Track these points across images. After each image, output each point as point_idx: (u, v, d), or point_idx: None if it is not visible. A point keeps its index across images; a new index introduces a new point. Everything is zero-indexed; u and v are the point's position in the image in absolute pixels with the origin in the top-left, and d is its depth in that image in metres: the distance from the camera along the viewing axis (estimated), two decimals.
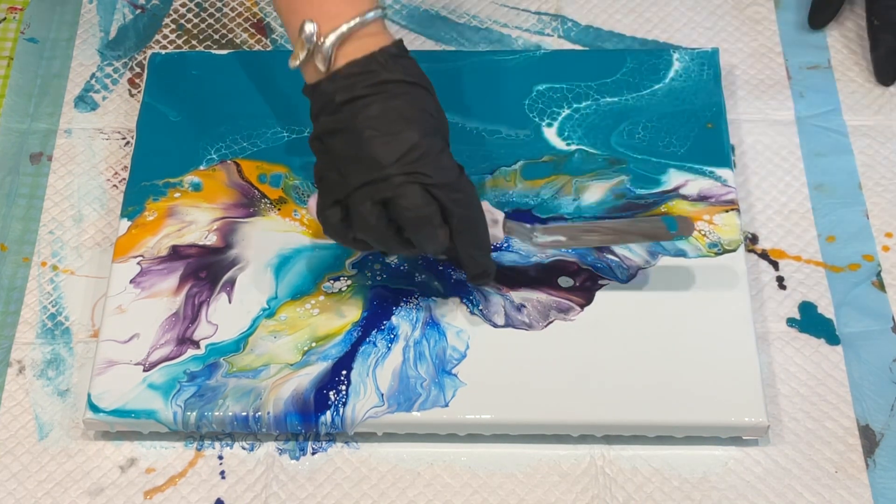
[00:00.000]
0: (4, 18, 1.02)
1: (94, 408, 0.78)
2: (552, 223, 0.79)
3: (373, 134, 0.72)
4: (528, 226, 0.79)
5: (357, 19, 0.74)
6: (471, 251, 0.75)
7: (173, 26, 1.00)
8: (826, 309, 0.84)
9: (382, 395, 0.78)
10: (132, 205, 0.87)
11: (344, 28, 0.73)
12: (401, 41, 0.75)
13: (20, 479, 0.78)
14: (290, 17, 0.76)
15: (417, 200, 0.72)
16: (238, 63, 0.95)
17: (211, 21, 1.01)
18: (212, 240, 0.85)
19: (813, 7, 0.98)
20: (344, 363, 0.80)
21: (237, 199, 0.88)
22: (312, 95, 0.75)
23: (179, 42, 0.99)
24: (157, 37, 1.00)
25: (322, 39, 0.73)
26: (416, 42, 0.99)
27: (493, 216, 0.77)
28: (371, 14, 0.74)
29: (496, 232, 0.77)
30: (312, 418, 0.78)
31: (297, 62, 0.75)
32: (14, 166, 0.92)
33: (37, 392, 0.82)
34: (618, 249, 0.84)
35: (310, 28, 0.74)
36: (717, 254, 0.84)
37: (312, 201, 0.76)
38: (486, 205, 0.77)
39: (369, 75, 0.73)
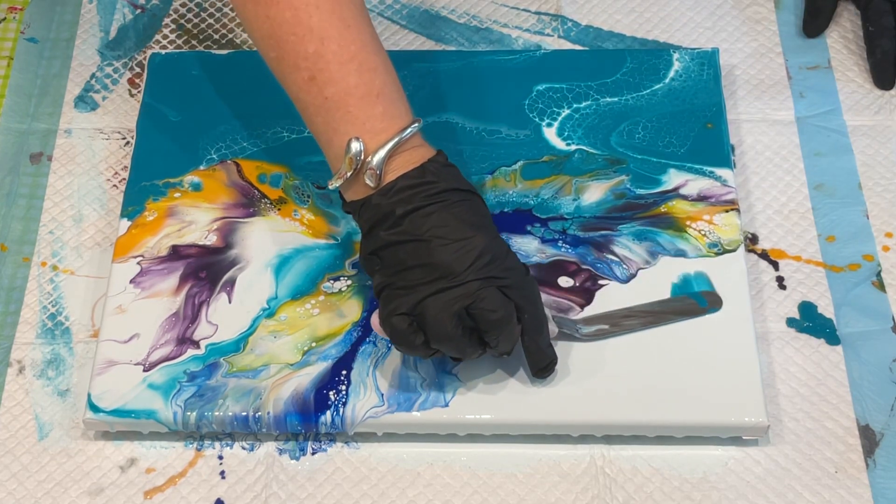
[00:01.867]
0: (4, 18, 1.02)
1: (94, 408, 0.78)
2: (592, 314, 0.81)
3: (442, 242, 0.72)
4: (572, 320, 0.80)
5: (400, 134, 0.74)
6: (540, 344, 0.76)
7: (173, 26, 1.00)
8: (826, 309, 0.84)
9: (382, 395, 0.78)
10: (132, 205, 0.87)
11: (391, 143, 0.74)
12: (443, 151, 0.77)
13: (20, 479, 0.78)
14: (332, 136, 0.76)
15: (498, 302, 0.73)
16: (238, 63, 0.95)
17: (211, 21, 1.01)
18: (212, 240, 0.85)
19: (805, 17, 0.98)
20: (344, 363, 0.80)
21: (237, 199, 0.88)
22: (361, 211, 0.75)
23: (179, 42, 0.99)
24: (157, 37, 1.00)
25: (370, 157, 0.74)
26: (416, 42, 0.99)
27: (546, 314, 0.78)
28: (411, 128, 0.75)
29: (552, 327, 0.78)
30: (312, 418, 0.78)
31: (342, 181, 0.75)
32: (14, 166, 0.92)
33: (37, 392, 0.82)
34: (618, 249, 0.84)
35: (357, 146, 0.74)
36: (717, 254, 0.84)
37: (375, 317, 0.75)
38: None
39: (426, 186, 0.74)
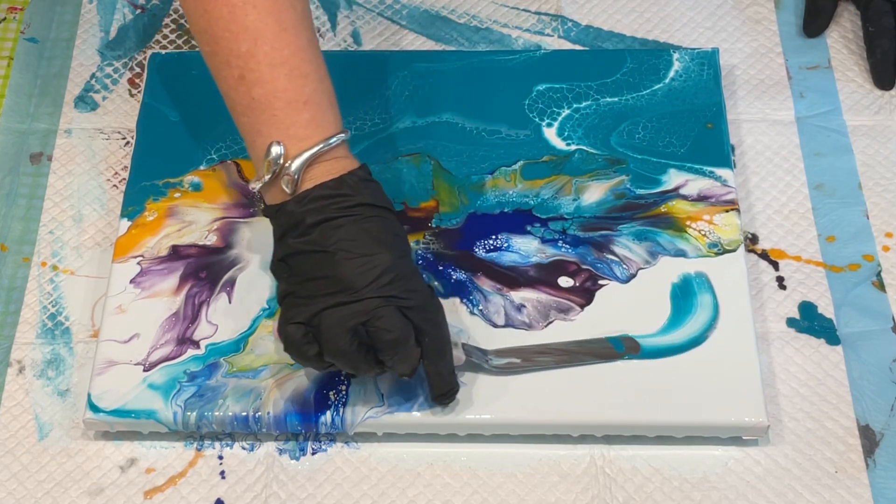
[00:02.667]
0: (4, 18, 1.02)
1: (94, 408, 0.78)
2: (506, 347, 0.79)
3: (347, 256, 0.72)
4: (483, 350, 0.78)
5: (323, 143, 0.74)
6: (440, 370, 0.75)
7: (173, 26, 1.00)
8: (826, 309, 0.84)
9: (382, 395, 0.78)
10: (132, 205, 0.87)
11: (312, 151, 0.73)
12: (366, 165, 0.75)
13: (20, 479, 0.78)
14: (255, 137, 0.75)
15: (395, 323, 0.71)
16: None
17: None
18: (212, 240, 0.85)
19: (806, 17, 0.98)
20: None
21: (237, 199, 0.88)
22: (276, 216, 0.74)
23: (179, 42, 0.99)
24: (157, 37, 1.00)
25: (289, 162, 0.73)
26: (416, 42, 0.99)
27: (454, 339, 0.76)
28: (336, 138, 0.74)
29: (458, 353, 0.76)
30: (312, 418, 0.78)
31: (260, 184, 0.74)
32: (14, 166, 0.92)
33: (37, 392, 0.82)
34: (618, 249, 0.84)
35: (277, 150, 0.73)
36: (717, 254, 0.84)
37: (276, 324, 0.75)
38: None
39: (341, 198, 0.73)
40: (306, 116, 0.74)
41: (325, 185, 0.73)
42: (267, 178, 0.74)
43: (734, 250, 0.84)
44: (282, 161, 0.73)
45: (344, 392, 0.78)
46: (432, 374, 0.75)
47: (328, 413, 0.78)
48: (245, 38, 0.74)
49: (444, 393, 0.76)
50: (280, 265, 0.74)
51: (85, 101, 0.96)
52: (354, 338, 0.72)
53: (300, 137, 0.74)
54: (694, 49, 0.94)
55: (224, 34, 0.75)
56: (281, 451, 0.79)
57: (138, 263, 0.84)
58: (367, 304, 0.71)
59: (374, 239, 0.73)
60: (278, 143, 0.74)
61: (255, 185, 0.75)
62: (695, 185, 0.87)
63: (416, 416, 0.78)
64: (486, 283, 0.83)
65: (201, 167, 0.89)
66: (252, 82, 0.74)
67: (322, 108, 0.75)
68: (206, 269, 0.84)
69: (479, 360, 0.78)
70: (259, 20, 0.74)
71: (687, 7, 1.00)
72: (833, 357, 0.82)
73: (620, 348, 0.78)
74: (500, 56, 0.95)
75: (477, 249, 0.85)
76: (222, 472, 0.78)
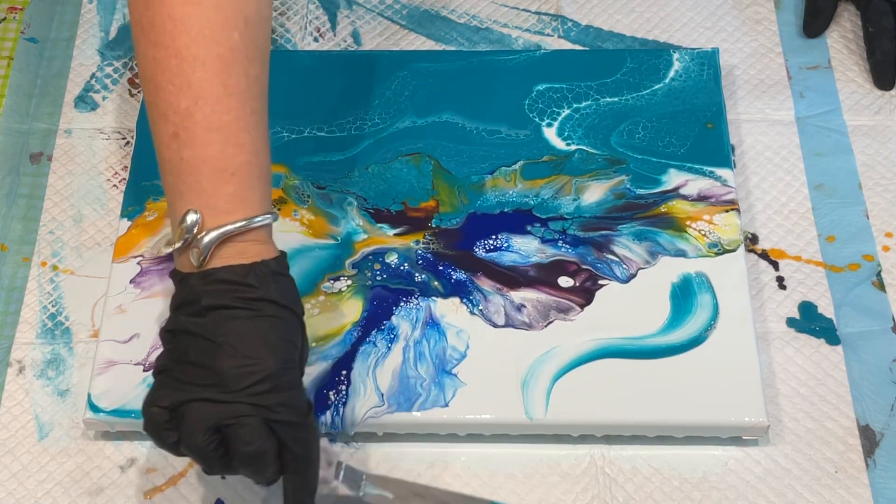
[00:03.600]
0: (4, 18, 1.02)
1: (94, 408, 0.78)
2: (388, 476, 0.76)
3: (230, 352, 0.67)
4: (360, 473, 0.75)
5: (243, 222, 0.69)
6: (298, 491, 0.70)
7: None
8: (826, 309, 0.84)
9: (382, 395, 0.78)
10: (132, 205, 0.87)
11: (227, 228, 0.68)
12: (284, 255, 0.71)
13: (20, 479, 0.78)
14: (176, 199, 0.70)
15: (257, 435, 0.67)
16: None
17: None
18: None
19: (806, 17, 0.98)
20: (344, 363, 0.80)
21: None
22: (179, 285, 0.70)
23: None
24: None
25: (202, 234, 0.68)
26: (416, 42, 0.99)
27: (329, 458, 0.74)
28: (260, 219, 0.70)
29: (327, 474, 0.73)
30: None
31: (171, 249, 0.70)
32: (14, 166, 0.92)
33: (37, 392, 0.82)
34: (618, 249, 0.84)
35: (192, 218, 0.68)
36: (717, 254, 0.84)
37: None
38: (324, 444, 0.73)
39: (244, 288, 0.68)
40: (230, 189, 0.69)
41: (232, 270, 0.68)
42: (178, 245, 0.69)
43: (734, 250, 0.84)
44: (195, 231, 0.69)
45: (344, 392, 0.78)
46: (288, 491, 0.70)
47: (328, 413, 0.78)
48: (187, 94, 0.69)
49: None
50: (167, 335, 0.70)
51: (85, 101, 0.96)
52: (214, 437, 0.67)
53: (220, 211, 0.69)
54: (694, 49, 0.94)
55: (168, 86, 0.70)
56: None
57: (138, 263, 0.84)
58: (235, 408, 0.66)
59: (264, 341, 0.67)
60: (195, 211, 0.69)
61: (167, 250, 0.70)
62: (695, 185, 0.87)
63: (416, 416, 0.78)
64: (486, 283, 0.83)
65: None
66: (184, 142, 0.69)
67: (251, 184, 0.70)
68: None
69: (352, 486, 0.74)
70: (205, 79, 0.69)
71: (687, 7, 1.01)
72: (833, 357, 0.82)
73: None
74: (500, 56, 0.95)
75: (477, 249, 0.85)
76: None
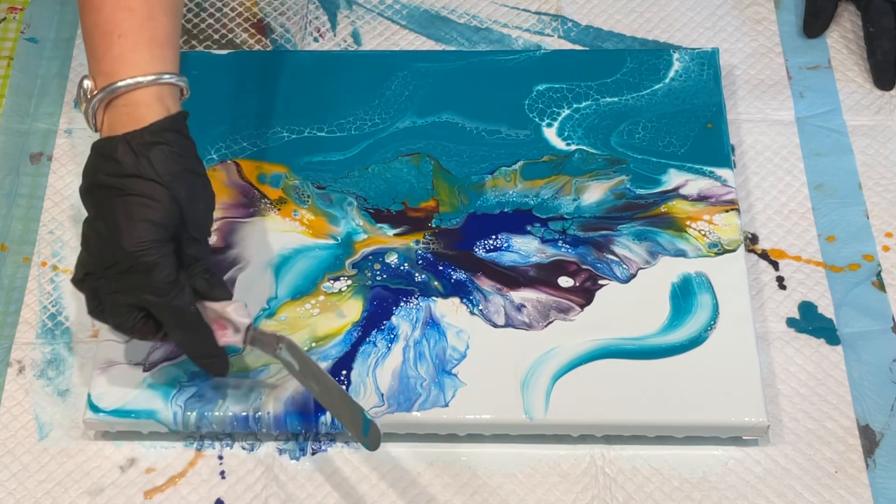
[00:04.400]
0: (4, 18, 1.02)
1: (94, 408, 0.78)
2: (298, 348, 0.74)
3: (94, 234, 0.70)
4: (277, 336, 0.74)
5: (123, 83, 0.69)
6: (192, 355, 0.74)
7: None
8: (826, 309, 0.84)
9: (382, 395, 0.78)
10: None
11: (108, 89, 0.69)
12: (175, 116, 0.71)
13: (20, 479, 0.78)
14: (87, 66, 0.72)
15: (118, 313, 0.71)
16: (238, 63, 0.95)
17: (211, 21, 1.01)
18: (212, 240, 0.85)
19: (806, 17, 0.98)
20: (344, 363, 0.80)
21: (237, 199, 0.88)
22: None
23: (179, 42, 0.99)
24: None
25: (92, 99, 0.69)
26: (416, 42, 0.99)
27: (237, 324, 0.74)
28: (142, 79, 0.69)
29: (235, 339, 0.74)
30: (312, 418, 0.78)
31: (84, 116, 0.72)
32: (14, 166, 0.92)
33: (37, 392, 0.82)
34: (618, 249, 0.84)
35: (86, 84, 0.70)
36: (717, 254, 0.84)
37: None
38: (235, 309, 0.74)
39: (111, 164, 0.69)
40: (116, 52, 0.69)
41: (105, 144, 0.69)
42: (81, 110, 0.71)
43: (734, 250, 0.84)
44: (88, 97, 0.70)
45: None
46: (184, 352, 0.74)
47: (328, 413, 0.78)
48: None
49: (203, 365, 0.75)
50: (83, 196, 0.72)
51: None
52: (99, 306, 0.71)
53: (105, 73, 0.69)
54: (694, 49, 0.94)
55: None
56: (281, 451, 0.79)
57: None
58: (103, 285, 0.70)
59: (118, 224, 0.69)
60: (89, 77, 0.70)
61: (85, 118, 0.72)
62: (695, 185, 0.87)
63: (416, 416, 0.78)
64: (486, 283, 0.83)
65: None
66: (86, 10, 0.71)
67: (138, 46, 0.69)
68: None
69: (266, 348, 0.74)
70: None
71: (687, 7, 1.00)
72: (833, 357, 0.82)
73: (366, 432, 0.72)
74: (500, 56, 0.95)
75: (477, 249, 0.85)
76: (222, 472, 0.78)
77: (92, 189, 0.71)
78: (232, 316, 0.74)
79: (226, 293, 0.74)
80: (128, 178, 0.69)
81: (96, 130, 0.70)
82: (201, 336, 0.74)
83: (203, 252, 0.74)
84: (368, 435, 0.72)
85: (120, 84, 0.69)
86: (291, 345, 0.74)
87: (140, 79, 0.69)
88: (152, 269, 0.70)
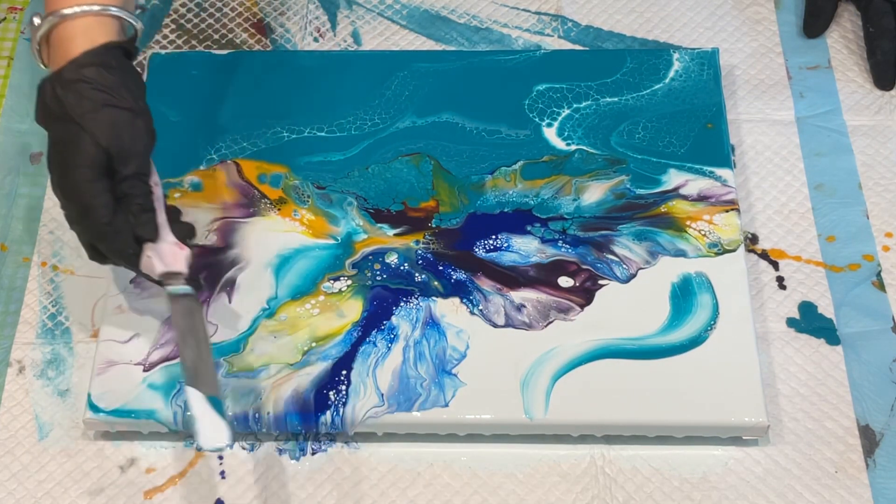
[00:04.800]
0: (4, 18, 1.02)
1: (94, 408, 0.78)
2: (190, 295, 0.75)
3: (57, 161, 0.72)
4: (175, 274, 0.75)
5: (59, 16, 0.69)
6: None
7: (173, 26, 1.00)
8: (826, 309, 0.84)
9: (382, 395, 0.78)
10: None
11: (43, 21, 0.70)
12: (102, 48, 0.70)
13: (20, 479, 0.78)
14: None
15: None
16: (238, 63, 0.95)
17: (211, 21, 1.01)
18: (212, 240, 0.85)
19: (806, 17, 0.98)
20: (344, 363, 0.80)
21: (237, 199, 0.88)
22: None
23: (179, 42, 0.99)
24: (157, 37, 0.99)
25: (36, 35, 0.71)
26: (416, 42, 0.99)
27: (155, 267, 0.74)
28: (70, 10, 0.69)
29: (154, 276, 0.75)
30: (312, 418, 0.78)
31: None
32: (14, 166, 0.92)
33: (37, 392, 0.82)
34: (618, 249, 0.84)
35: (35, 21, 0.71)
36: (717, 254, 0.84)
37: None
38: (161, 255, 0.74)
39: (41, 107, 0.70)
40: None
41: (39, 88, 0.70)
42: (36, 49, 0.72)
43: (734, 250, 0.84)
44: (37, 27, 0.71)
45: (344, 392, 0.78)
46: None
47: (328, 413, 0.78)
48: None
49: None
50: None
51: None
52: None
53: (46, 9, 0.71)
54: (694, 49, 0.94)
55: None
56: (281, 451, 0.79)
57: None
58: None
59: (53, 168, 0.71)
60: (39, 15, 0.71)
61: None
62: (695, 185, 0.87)
63: (416, 416, 0.78)
64: (486, 283, 0.83)
65: (201, 167, 0.89)
66: None
67: None
68: (205, 269, 0.84)
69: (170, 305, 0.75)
70: None
71: (687, 7, 1.01)
72: (833, 357, 0.82)
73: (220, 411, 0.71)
74: (500, 56, 0.95)
75: (477, 249, 0.85)
76: (222, 472, 0.78)
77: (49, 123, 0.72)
78: (154, 261, 0.74)
79: (151, 232, 0.73)
80: (54, 122, 0.71)
81: (45, 67, 0.72)
82: (132, 266, 0.75)
83: (136, 188, 0.73)
84: (215, 422, 0.69)
85: (51, 17, 0.70)
86: (172, 294, 0.74)
87: (65, 11, 0.69)
88: (86, 211, 0.71)
